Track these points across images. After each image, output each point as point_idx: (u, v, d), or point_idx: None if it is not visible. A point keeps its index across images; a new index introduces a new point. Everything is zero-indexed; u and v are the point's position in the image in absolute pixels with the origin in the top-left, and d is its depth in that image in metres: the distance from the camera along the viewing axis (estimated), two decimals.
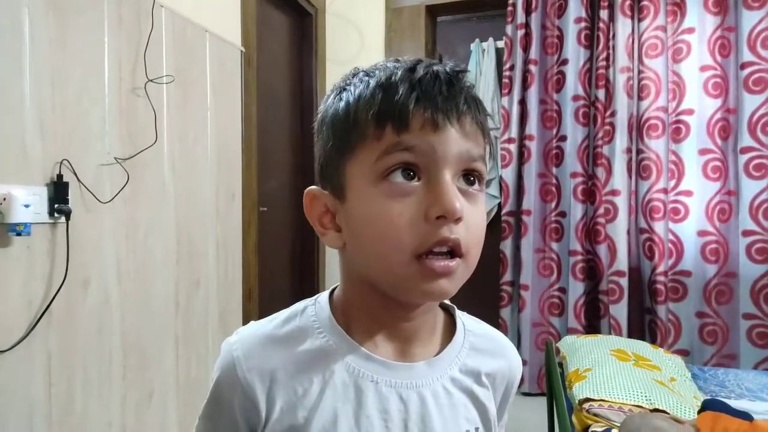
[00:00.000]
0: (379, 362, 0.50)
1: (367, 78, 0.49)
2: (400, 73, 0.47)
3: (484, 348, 0.56)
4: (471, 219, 0.47)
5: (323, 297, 0.55)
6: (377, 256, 0.47)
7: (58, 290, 1.37)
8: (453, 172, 0.47)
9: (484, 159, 0.49)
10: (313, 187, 0.53)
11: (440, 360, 0.53)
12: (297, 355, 0.50)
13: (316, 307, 0.53)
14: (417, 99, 0.46)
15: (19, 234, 1.25)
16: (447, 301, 0.58)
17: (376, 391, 0.49)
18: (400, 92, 0.46)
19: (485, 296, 2.92)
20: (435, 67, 0.48)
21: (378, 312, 0.51)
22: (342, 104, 0.49)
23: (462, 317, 0.58)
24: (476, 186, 0.49)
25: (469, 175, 0.49)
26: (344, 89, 0.50)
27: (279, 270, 2.71)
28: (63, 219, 1.39)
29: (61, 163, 1.39)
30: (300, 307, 0.54)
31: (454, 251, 0.46)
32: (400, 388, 0.50)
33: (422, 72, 0.47)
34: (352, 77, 0.51)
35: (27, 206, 1.26)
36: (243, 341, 0.52)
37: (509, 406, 0.62)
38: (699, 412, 1.31)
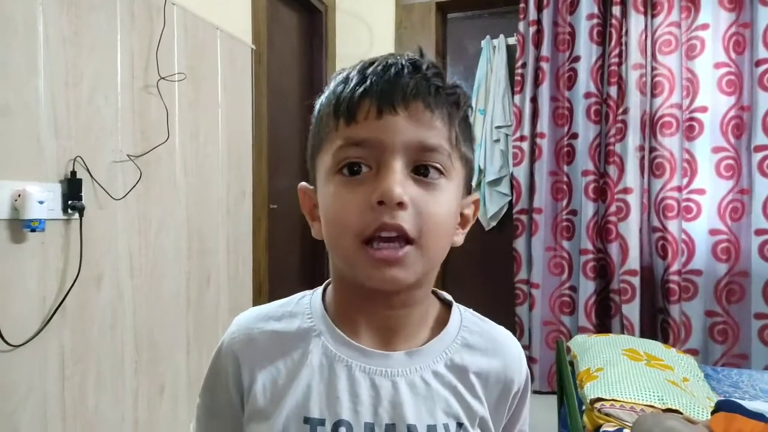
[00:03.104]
0: (356, 348, 0.52)
1: (339, 76, 0.51)
2: (358, 67, 0.50)
3: (478, 346, 0.55)
4: (424, 207, 0.47)
5: (320, 288, 0.58)
6: (332, 243, 0.50)
7: (72, 286, 1.38)
8: (405, 161, 0.47)
9: (446, 149, 0.48)
10: (303, 182, 0.57)
11: (422, 352, 0.52)
12: (283, 333, 0.54)
13: (313, 296, 0.57)
14: (364, 90, 0.47)
15: (33, 230, 1.27)
16: (447, 295, 0.59)
17: (349, 375, 0.51)
18: (351, 85, 0.48)
19: (498, 294, 2.92)
20: (393, 59, 0.49)
21: (357, 301, 0.53)
22: (318, 104, 0.53)
23: (463, 313, 0.57)
24: (434, 175, 0.48)
25: (427, 165, 0.48)
26: (326, 88, 0.53)
27: (289, 266, 2.72)
28: (76, 215, 1.40)
29: (74, 160, 1.40)
30: (299, 295, 0.58)
31: (402, 238, 0.46)
32: (374, 374, 0.51)
33: (377, 63, 0.49)
34: (334, 77, 0.53)
35: (41, 203, 1.27)
36: (241, 319, 0.57)
37: (525, 411, 0.59)
38: (713, 412, 1.30)
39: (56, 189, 1.35)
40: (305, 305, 0.56)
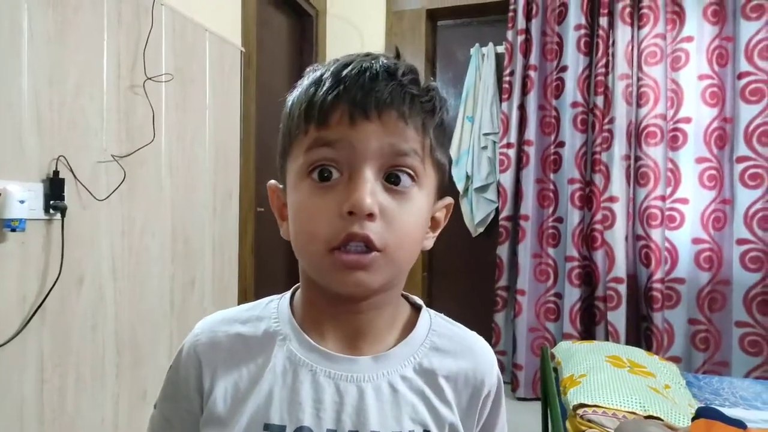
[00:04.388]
0: (322, 353, 0.51)
1: (312, 74, 0.51)
2: (333, 68, 0.49)
3: (447, 348, 0.54)
4: (394, 217, 0.47)
5: (288, 292, 0.57)
6: (300, 248, 0.50)
7: (52, 287, 1.36)
8: (376, 167, 0.47)
9: (418, 154, 0.48)
10: (272, 181, 0.56)
11: (389, 356, 0.52)
12: (248, 337, 0.53)
13: (281, 300, 0.56)
14: (337, 94, 0.46)
15: (14, 230, 1.25)
16: (417, 299, 0.58)
17: (313, 380, 0.50)
18: (325, 88, 0.47)
19: (480, 301, 2.93)
20: (368, 63, 0.48)
21: (324, 305, 0.52)
22: (290, 100, 0.52)
23: (432, 317, 0.57)
24: (405, 183, 0.48)
25: (399, 173, 0.47)
26: (299, 86, 0.52)
27: (275, 270, 2.70)
28: (58, 215, 1.38)
29: (57, 159, 1.38)
30: (266, 299, 0.57)
31: (369, 246, 0.46)
32: (339, 379, 0.50)
33: (352, 67, 0.48)
34: (307, 73, 0.52)
35: (22, 202, 1.25)
36: (205, 322, 0.56)
37: (500, 420, 0.57)
38: (693, 419, 1.31)
39: (38, 188, 1.34)
40: (272, 309, 0.55)
